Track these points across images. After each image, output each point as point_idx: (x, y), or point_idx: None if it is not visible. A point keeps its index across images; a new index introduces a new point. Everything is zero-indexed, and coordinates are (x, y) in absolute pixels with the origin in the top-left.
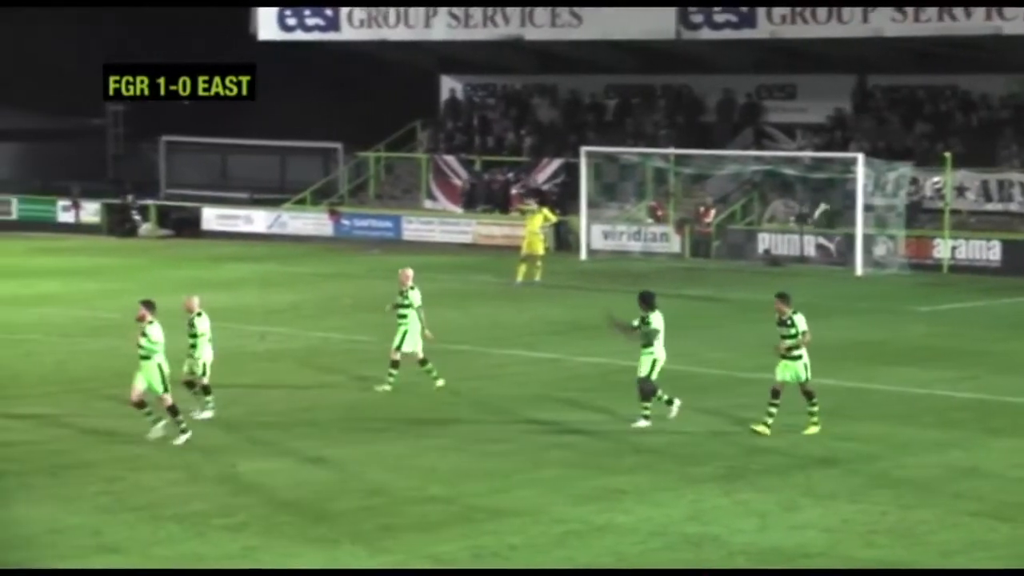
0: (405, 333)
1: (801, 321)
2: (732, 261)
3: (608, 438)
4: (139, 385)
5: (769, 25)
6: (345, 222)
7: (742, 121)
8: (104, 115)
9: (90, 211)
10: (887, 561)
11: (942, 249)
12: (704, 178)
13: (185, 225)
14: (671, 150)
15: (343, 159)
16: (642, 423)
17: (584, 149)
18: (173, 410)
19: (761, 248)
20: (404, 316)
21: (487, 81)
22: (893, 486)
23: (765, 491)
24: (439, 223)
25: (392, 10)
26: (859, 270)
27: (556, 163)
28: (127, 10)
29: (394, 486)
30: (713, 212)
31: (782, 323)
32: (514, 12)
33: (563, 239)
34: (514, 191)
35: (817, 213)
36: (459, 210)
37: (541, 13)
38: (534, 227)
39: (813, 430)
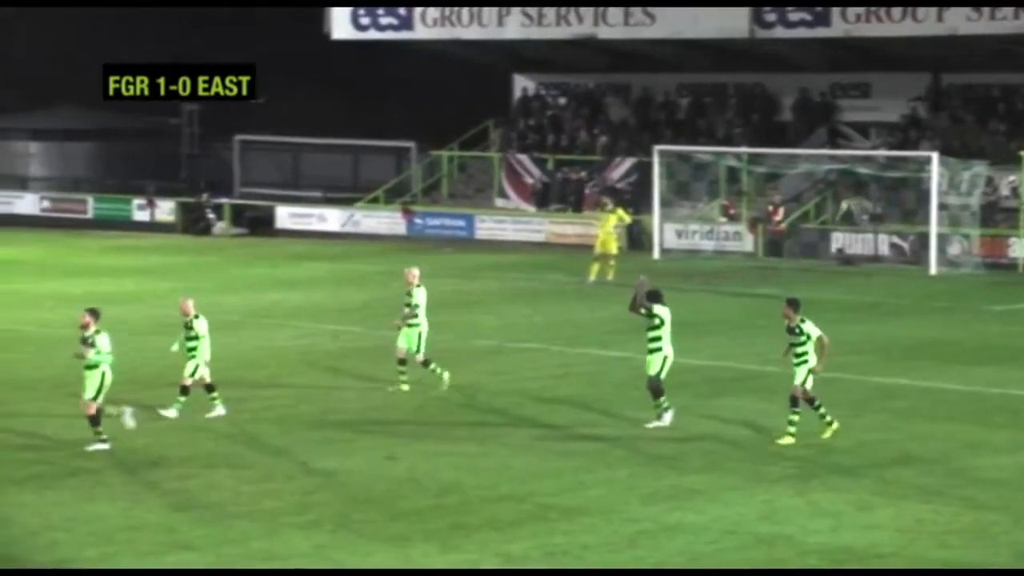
0: (420, 335)
1: (811, 328)
2: (805, 260)
3: (678, 437)
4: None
5: (843, 24)
6: (418, 221)
7: (816, 120)
8: (179, 114)
9: (165, 210)
10: (960, 562)
11: (1017, 248)
12: (777, 177)
13: (259, 224)
14: (744, 149)
15: (416, 158)
16: (665, 419)
17: (657, 148)
18: (94, 420)
19: (834, 247)
20: (414, 317)
21: (560, 80)
22: (967, 486)
23: (838, 491)
24: (512, 222)
25: (465, 9)
26: (933, 269)
27: (629, 162)
28: (197, 10)
29: (466, 485)
30: (782, 211)
31: (790, 330)
32: (587, 11)
33: (636, 238)
34: (588, 190)
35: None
36: (532, 209)
37: (614, 12)
38: (608, 226)
39: (788, 440)
